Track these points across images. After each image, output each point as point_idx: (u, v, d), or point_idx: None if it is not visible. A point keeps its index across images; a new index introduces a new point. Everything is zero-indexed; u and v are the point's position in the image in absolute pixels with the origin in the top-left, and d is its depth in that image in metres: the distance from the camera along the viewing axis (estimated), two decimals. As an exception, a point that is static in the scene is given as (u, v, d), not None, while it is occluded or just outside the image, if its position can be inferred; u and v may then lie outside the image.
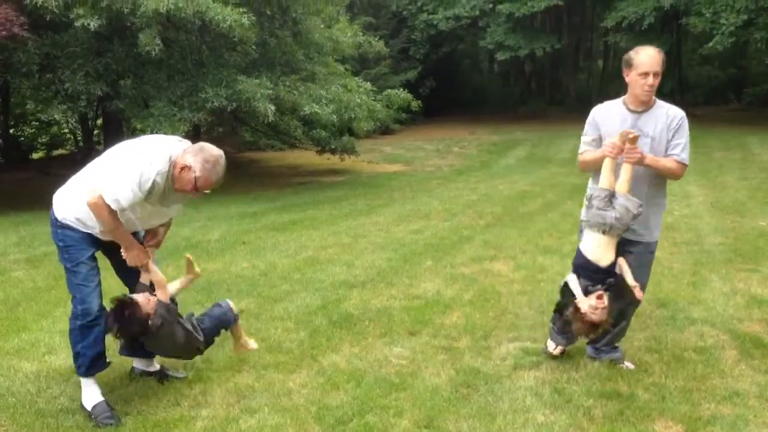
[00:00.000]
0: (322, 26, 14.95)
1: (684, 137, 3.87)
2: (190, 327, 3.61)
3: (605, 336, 4.02)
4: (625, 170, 3.75)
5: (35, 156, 21.57)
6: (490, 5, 26.70)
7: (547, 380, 3.94)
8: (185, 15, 10.29)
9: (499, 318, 5.06)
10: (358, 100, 13.38)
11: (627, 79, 3.92)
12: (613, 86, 28.55)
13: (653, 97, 3.89)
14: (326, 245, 7.72)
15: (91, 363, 3.55)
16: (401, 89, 16.84)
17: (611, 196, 3.74)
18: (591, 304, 3.56)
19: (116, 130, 14.15)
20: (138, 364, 4.04)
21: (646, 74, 3.78)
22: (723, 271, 6.25)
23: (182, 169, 3.37)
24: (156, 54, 10.37)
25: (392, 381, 3.94)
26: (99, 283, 3.57)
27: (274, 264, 6.81)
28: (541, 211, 9.88)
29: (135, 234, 3.63)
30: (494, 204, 10.60)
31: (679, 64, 29.18)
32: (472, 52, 33.75)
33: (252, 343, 3.99)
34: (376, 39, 17.82)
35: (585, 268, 3.75)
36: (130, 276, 3.73)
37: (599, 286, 3.65)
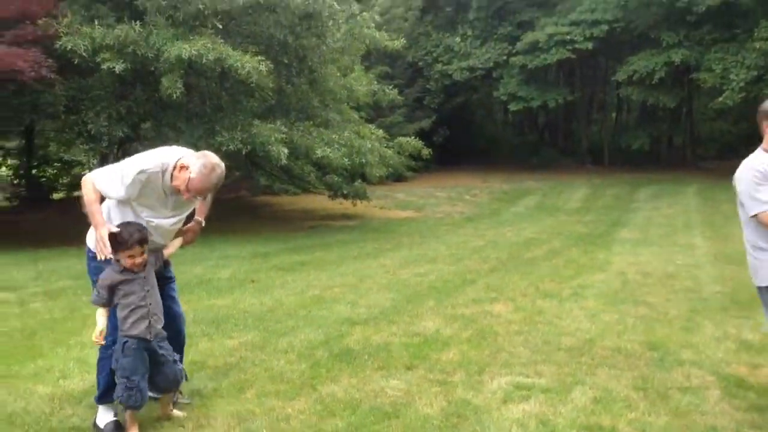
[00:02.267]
0: (337, 74, 15.44)
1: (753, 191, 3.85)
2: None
3: None
4: None
5: (56, 196, 22.10)
6: (504, 57, 27.34)
7: (534, 413, 4.11)
8: (206, 62, 10.76)
9: (494, 355, 5.25)
10: (370, 146, 13.75)
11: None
12: (625, 138, 28.98)
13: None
14: (333, 285, 7.96)
15: (107, 390, 3.78)
16: (415, 137, 17.24)
17: None
18: None
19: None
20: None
21: None
22: (717, 317, 6.40)
23: (181, 167, 3.63)
24: (177, 97, 10.81)
25: (386, 410, 4.13)
26: None
27: (281, 301, 7.05)
28: (545, 258, 10.08)
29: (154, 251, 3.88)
30: (500, 250, 10.82)
31: (691, 118, 29.51)
32: (486, 102, 34.34)
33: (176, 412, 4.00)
34: (391, 88, 18.32)
35: None
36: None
37: None
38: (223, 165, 3.74)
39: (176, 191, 3.70)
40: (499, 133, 36.45)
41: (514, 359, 5.17)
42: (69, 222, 16.60)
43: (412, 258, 10.05)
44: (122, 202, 3.72)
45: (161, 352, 3.79)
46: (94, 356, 4.79)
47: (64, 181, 22.59)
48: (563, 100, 27.87)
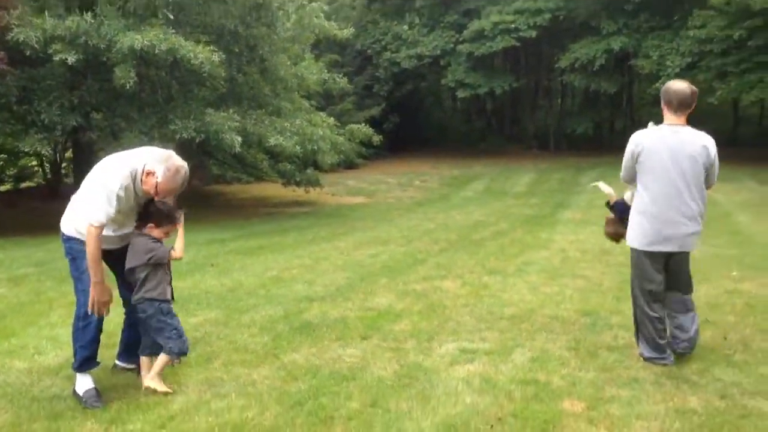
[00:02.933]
0: (288, 63, 15.69)
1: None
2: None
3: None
4: None
5: (2, 188, 21.81)
6: (451, 45, 27.84)
7: (478, 372, 4.55)
8: (159, 52, 10.93)
9: (442, 325, 5.68)
10: (321, 133, 14.07)
11: None
12: (569, 123, 29.85)
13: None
14: (290, 266, 8.31)
15: (85, 360, 4.08)
16: (365, 125, 17.61)
17: None
18: None
19: (86, 161, 14.61)
20: (120, 361, 4.57)
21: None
22: (646, 287, 6.96)
23: (147, 174, 3.94)
24: (130, 87, 10.96)
25: (344, 374, 4.52)
26: None
27: (241, 282, 7.38)
28: (492, 238, 10.59)
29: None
30: (449, 232, 11.29)
31: (631, 103, 30.55)
32: (434, 89, 34.85)
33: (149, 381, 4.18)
34: (341, 76, 18.63)
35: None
36: (127, 288, 4.28)
37: None
38: (186, 165, 4.05)
39: (146, 193, 4.03)
40: (447, 120, 37.04)
41: (461, 328, 5.61)
42: (19, 213, 16.56)
43: (365, 241, 10.45)
44: None
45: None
46: (64, 335, 5.11)
47: (11, 172, 22.29)
48: (509, 87, 28.57)
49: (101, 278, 3.96)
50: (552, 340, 5.14)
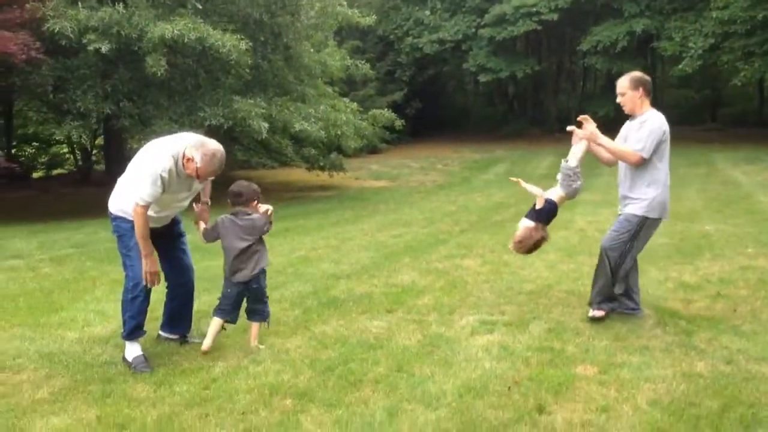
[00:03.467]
0: (311, 50, 15.97)
1: (644, 133, 5.13)
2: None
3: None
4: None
5: (35, 175, 22.43)
6: (473, 30, 27.90)
7: (497, 341, 4.83)
8: (188, 41, 11.27)
9: (463, 300, 5.97)
10: (345, 119, 14.36)
11: None
12: (591, 106, 29.80)
13: (638, 109, 5.26)
14: (316, 247, 8.65)
15: (134, 328, 4.44)
16: (388, 110, 17.86)
17: None
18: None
19: (117, 148, 15.08)
20: (163, 331, 4.93)
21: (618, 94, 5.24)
22: (661, 264, 7.19)
23: (188, 160, 4.28)
24: (161, 75, 11.32)
25: (371, 343, 4.83)
26: None
27: (270, 261, 7.69)
28: (512, 219, 10.77)
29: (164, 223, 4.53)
30: (471, 213, 11.56)
31: (654, 85, 30.36)
32: (456, 74, 34.94)
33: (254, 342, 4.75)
34: (363, 62, 18.87)
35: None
36: (168, 264, 4.69)
37: None
38: (221, 147, 4.38)
39: (189, 176, 4.37)
40: (469, 104, 37.15)
41: (481, 302, 5.89)
42: (52, 199, 17.07)
43: (388, 222, 10.75)
44: None
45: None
46: (111, 308, 5.49)
47: (43, 160, 22.90)
48: (531, 71, 28.60)
49: (150, 251, 4.33)
50: (568, 314, 5.41)
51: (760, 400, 3.71)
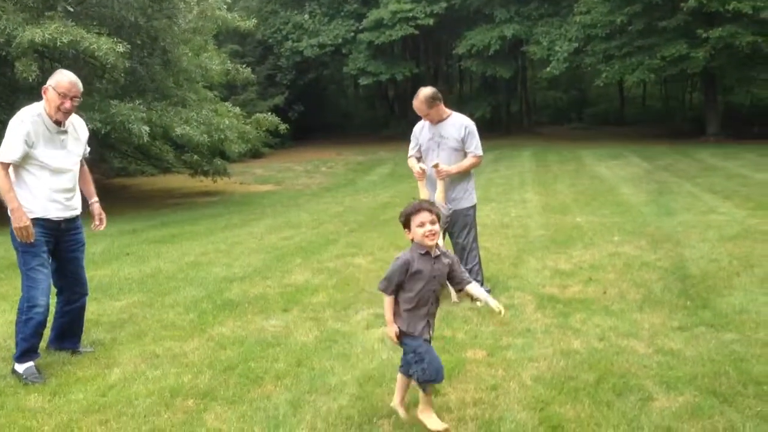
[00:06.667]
0: (190, 54, 15.70)
1: (475, 139, 5.84)
2: None
3: None
4: (441, 186, 5.79)
5: None
6: (352, 34, 28.27)
7: (391, 333, 5.04)
8: (60, 45, 10.84)
9: (357, 296, 6.15)
10: (228, 123, 14.24)
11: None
12: (468, 108, 30.88)
13: (448, 111, 5.94)
14: (206, 252, 8.58)
15: (26, 351, 4.32)
16: (270, 114, 17.82)
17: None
18: None
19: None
20: (52, 346, 4.78)
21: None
22: (539, 254, 7.65)
23: (44, 91, 4.31)
24: (33, 80, 10.83)
25: (270, 341, 4.91)
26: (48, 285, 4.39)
27: (160, 268, 7.60)
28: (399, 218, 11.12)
29: (71, 191, 4.49)
30: (358, 214, 11.77)
31: (525, 87, 31.91)
32: (337, 77, 35.25)
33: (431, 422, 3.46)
34: (243, 66, 18.74)
35: None
36: (65, 279, 4.62)
37: None
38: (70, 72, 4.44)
39: (58, 123, 4.32)
40: (351, 107, 37.56)
41: (375, 297, 6.06)
42: None
43: (277, 225, 10.78)
44: (25, 161, 4.27)
45: None
46: (-7, 322, 5.23)
47: None
48: (410, 74, 29.32)
49: (17, 206, 4.22)
50: (457, 304, 5.69)
51: (629, 371, 4.10)
